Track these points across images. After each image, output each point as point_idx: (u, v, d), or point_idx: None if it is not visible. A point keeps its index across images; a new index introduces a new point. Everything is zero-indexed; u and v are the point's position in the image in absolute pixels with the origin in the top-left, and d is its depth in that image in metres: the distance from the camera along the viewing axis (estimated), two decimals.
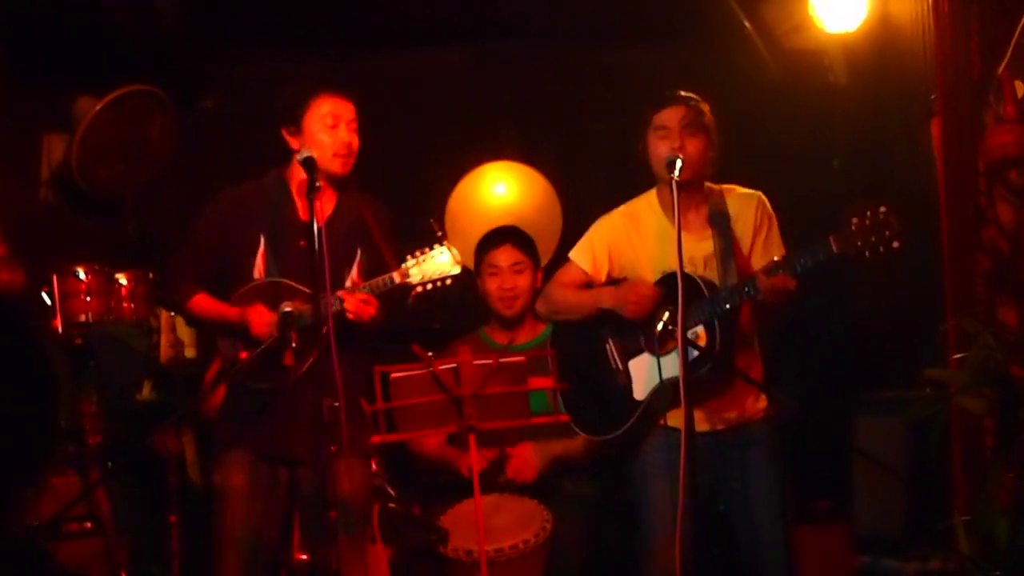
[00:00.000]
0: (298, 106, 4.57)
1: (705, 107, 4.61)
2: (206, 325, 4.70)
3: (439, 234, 4.44)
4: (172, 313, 5.66)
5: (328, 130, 4.55)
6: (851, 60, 6.04)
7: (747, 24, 6.13)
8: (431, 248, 4.42)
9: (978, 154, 4.72)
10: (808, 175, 6.27)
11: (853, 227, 4.23)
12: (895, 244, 4.20)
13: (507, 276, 5.57)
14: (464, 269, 4.58)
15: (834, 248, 4.26)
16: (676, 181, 4.27)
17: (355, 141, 4.58)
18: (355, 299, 4.39)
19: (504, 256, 5.59)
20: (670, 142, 4.48)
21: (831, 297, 4.86)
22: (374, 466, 4.80)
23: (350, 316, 4.38)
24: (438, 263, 4.40)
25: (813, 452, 5.48)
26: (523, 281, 5.56)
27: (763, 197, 4.71)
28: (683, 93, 4.61)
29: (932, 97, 4.90)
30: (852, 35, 5.84)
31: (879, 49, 5.81)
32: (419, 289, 4.42)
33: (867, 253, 4.22)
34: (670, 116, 4.55)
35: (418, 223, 4.53)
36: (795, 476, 4.67)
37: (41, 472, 2.07)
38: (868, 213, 4.22)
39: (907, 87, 5.37)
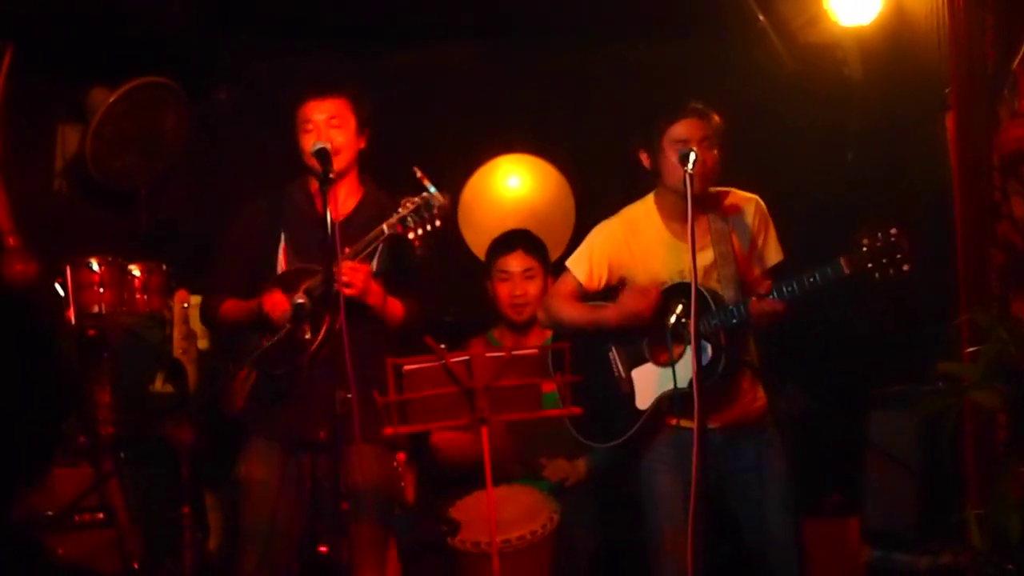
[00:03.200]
0: (290, 120, 4.63)
1: (716, 118, 4.56)
2: (237, 327, 4.71)
3: (420, 178, 4.44)
4: (185, 306, 5.67)
5: (305, 136, 4.59)
6: (865, 54, 6.03)
7: (762, 18, 6.13)
8: (417, 195, 4.43)
9: (992, 148, 4.71)
10: (823, 168, 6.27)
11: (864, 248, 4.23)
12: (905, 267, 4.21)
13: (518, 282, 5.57)
14: (450, 200, 4.56)
15: (845, 270, 4.26)
16: (689, 174, 4.26)
17: (336, 136, 4.57)
18: (346, 266, 4.40)
19: (515, 262, 5.60)
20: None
21: (843, 291, 4.84)
22: (402, 466, 4.75)
23: (345, 289, 4.36)
24: (424, 205, 4.41)
25: (825, 446, 5.48)
26: (533, 288, 5.55)
27: (760, 201, 4.69)
28: (696, 105, 4.54)
29: (946, 91, 4.88)
30: (867, 28, 5.83)
31: (893, 43, 5.79)
32: (411, 236, 4.41)
33: (877, 275, 4.22)
34: (689, 130, 4.49)
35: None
36: (805, 469, 4.67)
37: (43, 471, 2.09)
38: (879, 235, 4.22)
39: (921, 81, 5.36)
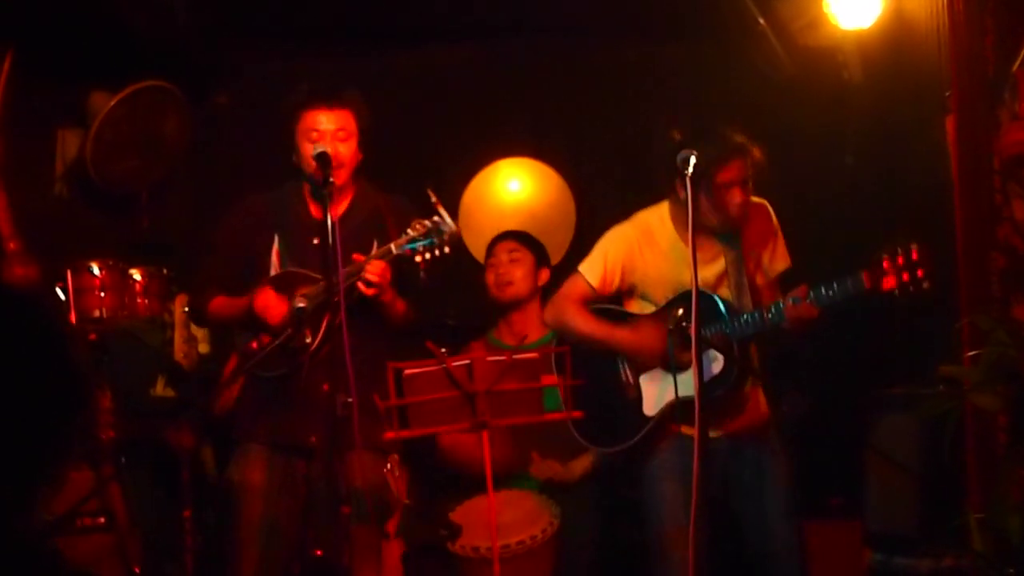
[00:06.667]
0: (286, 124, 4.60)
1: (757, 152, 4.50)
2: (226, 324, 4.72)
3: (434, 203, 4.43)
4: (186, 311, 5.67)
5: (308, 144, 4.55)
6: (866, 57, 6.02)
7: (761, 21, 6.11)
8: (428, 219, 4.42)
9: (993, 151, 4.71)
10: (822, 172, 6.26)
11: (885, 266, 4.21)
12: (926, 285, 4.19)
13: (503, 264, 5.62)
14: (461, 235, 4.57)
15: (867, 284, 4.24)
16: (687, 175, 4.20)
17: (343, 150, 4.55)
18: (372, 267, 4.39)
19: (502, 248, 5.70)
20: (732, 198, 4.43)
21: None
22: (396, 468, 4.77)
23: (369, 287, 4.36)
24: (435, 230, 4.40)
25: (826, 449, 5.47)
26: (518, 270, 5.61)
27: (769, 207, 4.68)
28: (740, 140, 4.46)
29: (947, 94, 4.88)
30: (867, 32, 5.82)
31: (894, 46, 5.79)
32: (418, 260, 4.40)
33: (897, 292, 4.20)
34: (734, 173, 4.41)
35: (428, 213, 4.53)
36: (807, 472, 4.66)
37: (59, 471, 2.07)
38: (899, 250, 4.20)
39: (922, 84, 5.36)
